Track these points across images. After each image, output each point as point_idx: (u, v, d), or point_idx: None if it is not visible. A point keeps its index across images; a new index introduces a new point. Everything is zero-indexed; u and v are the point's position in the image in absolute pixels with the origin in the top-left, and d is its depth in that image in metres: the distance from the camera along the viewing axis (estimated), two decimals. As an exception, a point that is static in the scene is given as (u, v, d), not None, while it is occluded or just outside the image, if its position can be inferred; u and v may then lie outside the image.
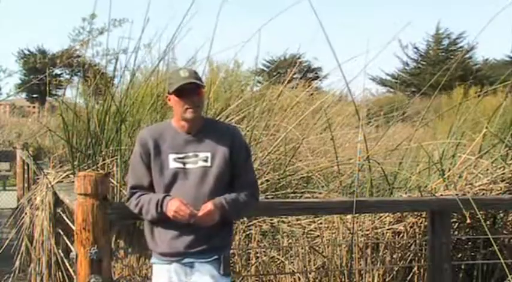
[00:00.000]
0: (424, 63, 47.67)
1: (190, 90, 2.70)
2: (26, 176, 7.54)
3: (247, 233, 4.36)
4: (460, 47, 47.76)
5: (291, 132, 5.44)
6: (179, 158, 2.72)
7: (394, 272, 4.07)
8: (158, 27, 5.10)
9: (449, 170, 4.51)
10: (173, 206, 2.60)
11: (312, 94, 8.01)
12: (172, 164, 2.72)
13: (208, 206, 2.63)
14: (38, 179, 5.08)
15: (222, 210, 2.66)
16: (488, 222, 4.23)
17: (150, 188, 2.76)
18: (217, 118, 5.30)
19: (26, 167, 7.61)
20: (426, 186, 4.38)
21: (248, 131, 5.20)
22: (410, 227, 4.11)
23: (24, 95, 41.67)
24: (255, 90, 7.43)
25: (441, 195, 4.00)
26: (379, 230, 4.15)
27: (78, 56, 5.49)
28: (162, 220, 2.69)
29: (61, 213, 4.09)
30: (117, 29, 5.04)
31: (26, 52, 43.75)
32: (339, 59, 4.11)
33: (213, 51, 5.33)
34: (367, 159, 4.39)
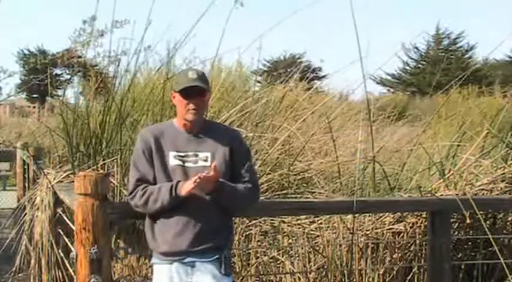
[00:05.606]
0: (424, 63, 47.71)
1: (194, 92, 2.71)
2: (26, 176, 7.52)
3: (247, 233, 4.35)
4: (460, 47, 47.83)
5: (291, 132, 5.43)
6: (179, 156, 2.74)
7: (394, 272, 4.06)
8: (160, 28, 5.10)
9: (450, 170, 4.51)
10: (187, 184, 2.60)
11: (310, 97, 7.98)
12: (173, 161, 2.74)
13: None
14: (38, 179, 5.07)
15: (220, 186, 2.64)
16: (488, 222, 4.23)
17: (154, 183, 2.75)
18: (218, 119, 5.30)
19: (26, 167, 7.59)
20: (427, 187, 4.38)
21: (249, 131, 5.19)
22: (411, 227, 4.10)
23: (24, 95, 41.70)
24: (255, 90, 7.41)
25: (441, 195, 3.99)
26: (379, 230, 4.14)
27: (79, 57, 5.47)
28: (164, 218, 2.70)
29: (61, 213, 4.09)
30: (119, 30, 5.01)
31: (26, 52, 43.89)
32: (339, 59, 4.11)
33: (215, 53, 5.32)
34: (370, 160, 4.38)
